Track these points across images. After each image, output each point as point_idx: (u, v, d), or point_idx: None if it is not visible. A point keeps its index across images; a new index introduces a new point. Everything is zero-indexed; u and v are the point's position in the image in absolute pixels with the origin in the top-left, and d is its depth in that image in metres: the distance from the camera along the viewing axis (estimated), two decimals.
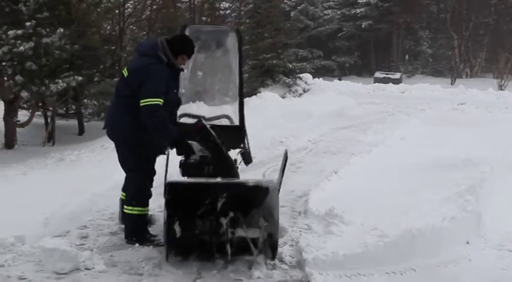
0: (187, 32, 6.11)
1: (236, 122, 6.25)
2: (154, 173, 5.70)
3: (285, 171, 5.17)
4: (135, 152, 5.54)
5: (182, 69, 5.69)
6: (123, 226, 5.83)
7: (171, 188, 4.92)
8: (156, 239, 5.58)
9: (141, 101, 5.25)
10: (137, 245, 5.47)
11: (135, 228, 5.64)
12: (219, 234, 4.89)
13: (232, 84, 6.40)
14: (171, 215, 4.87)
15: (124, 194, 5.84)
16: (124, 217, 5.81)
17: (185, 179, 5.50)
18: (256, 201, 4.91)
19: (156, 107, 5.24)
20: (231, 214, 4.85)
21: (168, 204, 4.88)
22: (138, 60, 5.60)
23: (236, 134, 6.17)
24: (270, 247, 4.97)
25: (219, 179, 5.19)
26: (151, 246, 5.44)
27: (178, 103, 5.91)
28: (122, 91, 5.60)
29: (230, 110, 6.23)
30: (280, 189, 5.06)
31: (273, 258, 5.04)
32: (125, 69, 5.67)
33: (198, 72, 6.10)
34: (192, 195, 5.01)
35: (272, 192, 4.92)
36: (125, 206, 5.64)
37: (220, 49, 6.45)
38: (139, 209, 5.59)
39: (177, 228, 4.85)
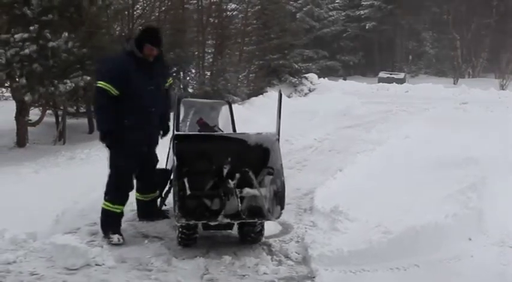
0: (181, 105, 6.29)
1: None
2: (131, 173, 5.72)
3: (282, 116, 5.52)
4: (114, 149, 5.59)
5: (150, 61, 5.52)
6: (133, 223, 6.02)
7: (178, 139, 5.10)
8: (110, 238, 5.50)
9: None
10: (146, 241, 5.55)
11: (101, 221, 5.71)
12: (228, 187, 5.10)
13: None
14: (179, 168, 5.05)
15: (138, 194, 6.04)
16: (139, 215, 6.08)
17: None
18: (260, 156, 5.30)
19: (99, 89, 5.37)
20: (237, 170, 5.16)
21: (177, 158, 5.05)
22: None
23: None
24: (279, 201, 5.18)
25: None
26: (159, 243, 5.52)
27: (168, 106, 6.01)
28: None
29: None
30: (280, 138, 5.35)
31: (282, 208, 5.20)
32: None
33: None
34: (198, 146, 5.25)
35: (273, 146, 5.29)
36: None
37: (214, 113, 6.81)
38: (108, 204, 5.64)
39: (186, 184, 5.05)
